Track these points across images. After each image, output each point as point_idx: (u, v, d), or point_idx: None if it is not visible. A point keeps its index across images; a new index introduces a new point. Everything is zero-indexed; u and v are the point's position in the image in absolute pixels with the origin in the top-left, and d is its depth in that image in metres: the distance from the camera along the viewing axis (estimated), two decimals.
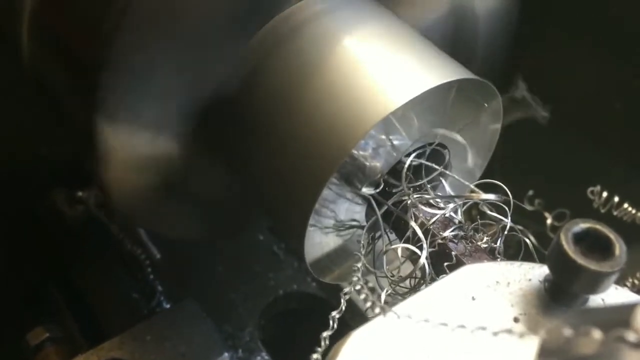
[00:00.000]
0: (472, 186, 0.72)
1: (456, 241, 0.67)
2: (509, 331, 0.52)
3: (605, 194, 0.87)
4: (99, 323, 0.96)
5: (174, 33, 0.69)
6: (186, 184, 0.82)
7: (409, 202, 0.69)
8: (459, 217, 0.69)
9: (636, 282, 0.79)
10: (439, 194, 0.74)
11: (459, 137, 0.73)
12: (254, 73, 0.73)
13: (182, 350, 0.83)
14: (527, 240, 0.68)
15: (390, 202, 0.70)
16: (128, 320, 0.88)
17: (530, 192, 0.84)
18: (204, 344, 0.84)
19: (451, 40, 0.88)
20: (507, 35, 0.93)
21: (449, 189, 0.75)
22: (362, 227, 0.74)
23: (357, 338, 0.52)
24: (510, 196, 0.69)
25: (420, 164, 0.71)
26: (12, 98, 0.87)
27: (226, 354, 0.84)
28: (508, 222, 0.67)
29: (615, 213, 0.87)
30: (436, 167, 0.72)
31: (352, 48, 0.71)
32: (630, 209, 0.86)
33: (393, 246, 0.69)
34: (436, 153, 0.74)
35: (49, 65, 0.77)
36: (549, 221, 0.83)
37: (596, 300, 0.56)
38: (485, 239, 0.67)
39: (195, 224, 0.89)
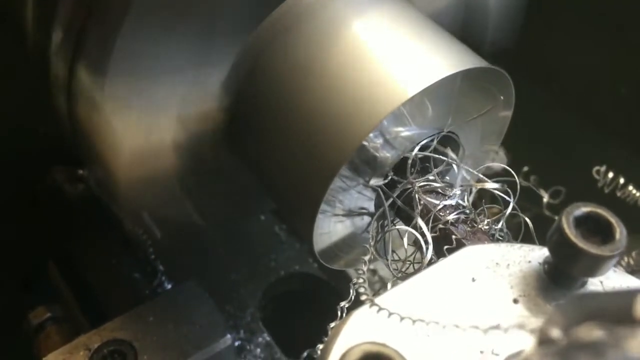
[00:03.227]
0: (479, 175, 0.72)
1: (457, 225, 0.67)
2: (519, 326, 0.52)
3: (611, 174, 0.87)
4: (100, 303, 0.97)
5: (181, 19, 0.68)
6: (193, 171, 0.82)
7: (413, 192, 0.69)
8: (464, 202, 0.69)
9: (631, 261, 0.79)
10: (447, 178, 0.73)
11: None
12: (263, 60, 0.72)
13: (184, 332, 0.83)
14: (527, 220, 0.68)
15: (396, 193, 0.70)
16: (129, 300, 0.89)
17: (525, 168, 0.84)
18: (206, 325, 0.84)
19: (462, 22, 0.87)
20: (517, 19, 0.93)
21: (464, 174, 0.74)
22: (371, 215, 0.74)
23: (358, 318, 0.52)
24: (518, 181, 0.69)
25: (433, 151, 0.71)
26: (12, 76, 0.87)
27: (229, 336, 0.84)
28: (512, 202, 0.67)
29: (618, 194, 0.87)
30: (447, 156, 0.71)
31: (363, 36, 0.70)
32: (634, 191, 0.86)
33: (393, 227, 0.69)
34: (449, 139, 0.73)
35: (54, 48, 0.76)
36: (545, 199, 0.83)
37: (595, 282, 0.56)
38: (486, 221, 0.67)
39: (200, 210, 0.89)
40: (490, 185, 0.68)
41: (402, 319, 0.52)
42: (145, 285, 0.98)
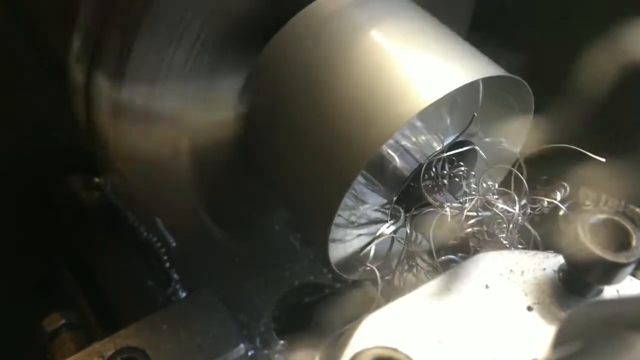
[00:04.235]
0: (493, 186, 0.72)
1: (474, 232, 0.67)
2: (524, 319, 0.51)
3: None
4: (114, 310, 0.97)
5: (201, 21, 0.69)
6: (207, 179, 0.82)
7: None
8: (482, 211, 0.69)
9: None
10: (463, 185, 0.73)
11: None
12: (280, 65, 0.72)
13: (198, 340, 0.82)
14: (535, 233, 0.67)
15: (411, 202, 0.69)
16: (143, 308, 0.88)
17: (544, 177, 0.84)
18: (220, 335, 0.83)
19: None
20: None
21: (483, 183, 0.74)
22: (384, 221, 0.74)
23: (370, 323, 0.52)
24: (527, 187, 0.69)
25: (453, 157, 0.71)
26: (29, 82, 0.88)
27: (242, 345, 0.83)
28: (515, 211, 0.67)
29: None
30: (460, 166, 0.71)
31: (381, 43, 0.70)
32: None
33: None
34: (469, 149, 0.73)
35: (72, 52, 0.77)
36: (561, 212, 0.83)
37: (611, 291, 0.55)
38: (502, 226, 0.67)
39: (214, 218, 0.89)
40: (502, 206, 0.68)
41: (413, 324, 0.51)
42: (160, 293, 0.98)
